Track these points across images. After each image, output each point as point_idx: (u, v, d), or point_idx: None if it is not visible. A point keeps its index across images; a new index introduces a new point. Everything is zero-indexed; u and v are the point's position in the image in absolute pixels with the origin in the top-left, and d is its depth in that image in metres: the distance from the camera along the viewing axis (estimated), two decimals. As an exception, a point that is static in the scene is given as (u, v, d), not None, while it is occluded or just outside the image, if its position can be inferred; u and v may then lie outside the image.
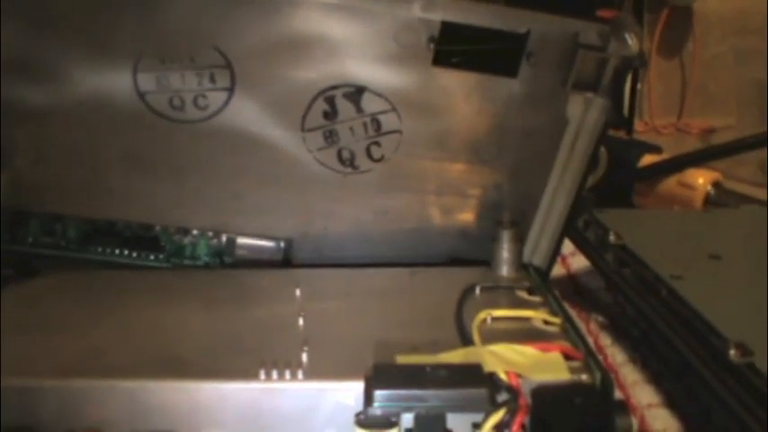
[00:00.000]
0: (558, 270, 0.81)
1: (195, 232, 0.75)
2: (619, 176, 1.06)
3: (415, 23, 0.65)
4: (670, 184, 1.03)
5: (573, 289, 0.81)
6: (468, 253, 0.74)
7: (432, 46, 0.66)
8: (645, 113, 1.40)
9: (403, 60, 0.67)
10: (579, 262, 0.83)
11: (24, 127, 0.70)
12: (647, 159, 1.07)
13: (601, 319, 0.73)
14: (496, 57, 0.66)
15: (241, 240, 0.74)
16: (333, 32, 0.66)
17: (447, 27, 0.65)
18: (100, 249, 0.75)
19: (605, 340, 0.70)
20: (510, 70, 0.67)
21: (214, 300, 0.66)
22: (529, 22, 0.65)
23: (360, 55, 0.67)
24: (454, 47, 0.66)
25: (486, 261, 0.71)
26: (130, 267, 0.75)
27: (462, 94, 0.68)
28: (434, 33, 0.66)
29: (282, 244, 0.74)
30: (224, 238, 0.74)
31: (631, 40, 0.62)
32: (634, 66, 0.65)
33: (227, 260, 0.75)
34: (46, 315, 0.64)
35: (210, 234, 0.74)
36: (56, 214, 0.75)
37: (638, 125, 1.37)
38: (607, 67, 0.66)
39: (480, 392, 0.48)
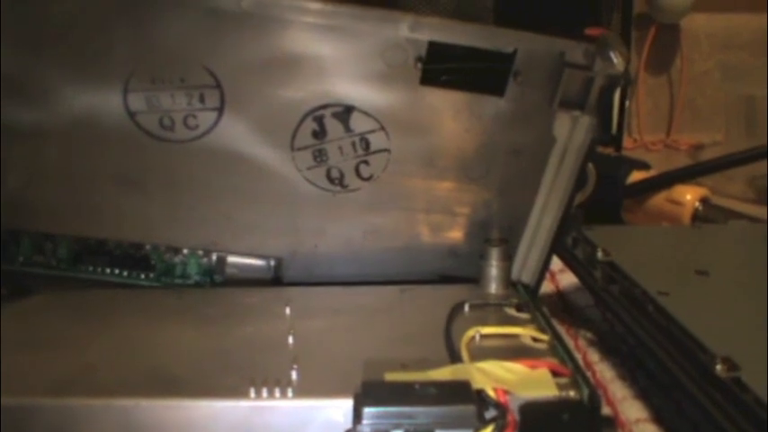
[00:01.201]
0: (546, 287, 0.81)
1: (186, 251, 0.75)
2: (607, 193, 1.06)
3: (402, 43, 0.66)
4: (658, 200, 1.03)
5: (561, 306, 0.81)
6: (458, 270, 0.74)
7: (419, 65, 0.66)
8: (634, 130, 1.41)
9: (391, 80, 0.67)
10: (568, 279, 0.83)
11: (14, 146, 0.70)
12: (636, 176, 1.07)
13: (589, 335, 0.74)
14: (484, 76, 0.67)
15: (231, 259, 0.75)
16: (321, 52, 0.67)
17: (434, 47, 0.66)
18: (91, 268, 0.75)
19: (593, 357, 0.70)
20: (497, 89, 0.67)
21: (205, 318, 0.66)
22: (515, 41, 0.66)
23: (348, 75, 0.67)
24: (442, 66, 0.67)
25: (474, 278, 0.71)
26: (121, 286, 0.75)
27: (450, 113, 0.69)
28: (422, 53, 0.66)
29: (272, 262, 0.75)
30: (214, 256, 0.75)
31: (617, 59, 0.63)
32: (620, 84, 0.66)
33: (217, 279, 0.75)
34: (38, 333, 0.64)
35: (201, 253, 0.75)
36: (46, 233, 0.75)
37: (627, 142, 1.37)
38: (593, 86, 0.66)
39: (468, 409, 0.48)
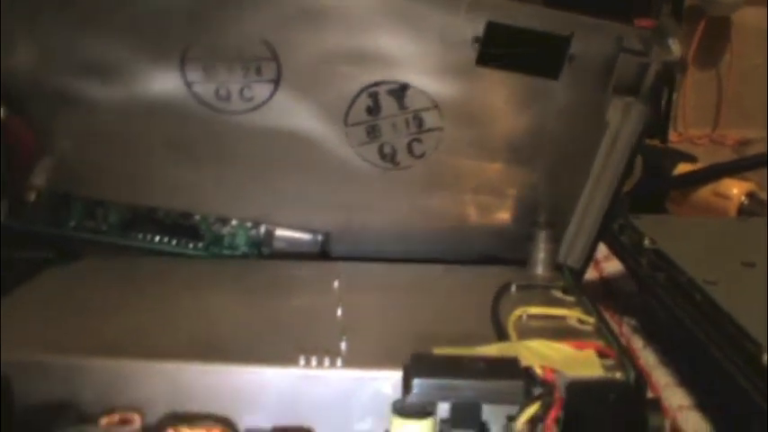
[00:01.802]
0: (590, 274, 0.81)
1: (234, 222, 0.75)
2: (653, 184, 1.06)
3: (460, 23, 0.66)
4: (704, 193, 1.03)
5: (605, 292, 0.82)
6: (504, 252, 0.74)
7: (476, 45, 0.67)
8: (679, 124, 1.40)
9: (447, 59, 0.68)
10: (612, 266, 0.84)
11: (69, 112, 0.71)
12: (682, 168, 1.07)
13: (633, 322, 0.74)
14: (539, 58, 0.67)
15: (279, 232, 0.75)
16: (379, 29, 0.67)
17: (492, 27, 0.66)
18: (140, 236, 0.76)
19: (637, 343, 0.70)
20: (552, 72, 0.68)
21: (253, 288, 0.67)
22: (573, 25, 0.66)
23: (405, 52, 0.68)
24: (498, 47, 0.67)
25: (521, 261, 0.72)
26: (169, 255, 0.76)
27: (504, 94, 0.69)
28: (479, 33, 0.66)
29: (320, 237, 0.75)
30: (263, 229, 0.75)
31: (674, 45, 0.63)
32: (675, 71, 0.66)
33: (264, 251, 0.75)
34: (87, 297, 0.65)
35: (250, 225, 0.75)
36: (98, 199, 0.75)
37: (672, 136, 1.37)
38: (648, 72, 0.66)
39: (516, 385, 0.48)
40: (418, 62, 0.68)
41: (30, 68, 0.69)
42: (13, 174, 0.71)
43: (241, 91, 0.69)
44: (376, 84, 0.69)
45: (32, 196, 0.72)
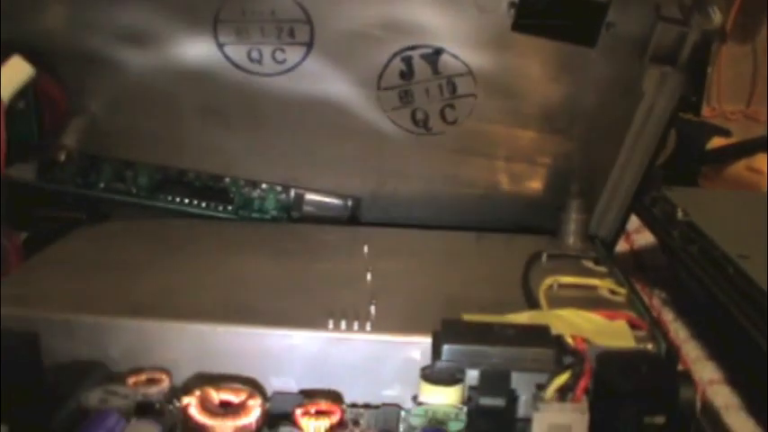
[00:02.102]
0: (621, 246, 0.81)
1: (264, 186, 0.75)
2: (686, 157, 1.05)
3: (496, -13, 0.65)
4: (738, 168, 1.02)
5: (635, 265, 0.81)
6: (534, 221, 0.74)
7: (512, 11, 0.66)
8: (713, 98, 1.39)
9: (482, 24, 0.67)
10: (643, 239, 0.83)
11: (101, 73, 0.71)
12: (716, 142, 1.06)
13: (663, 295, 0.73)
14: (576, 25, 0.66)
15: (309, 196, 0.75)
16: (414, -7, 0.66)
17: (528, -8, 0.65)
18: (169, 198, 0.76)
19: (668, 316, 0.70)
20: (589, 40, 0.67)
21: (282, 252, 0.66)
22: (611, -8, 0.65)
23: (439, 17, 0.67)
24: (534, 13, 0.66)
25: (551, 230, 0.71)
26: (198, 217, 0.76)
27: (539, 61, 0.68)
28: (515, -2, 0.66)
29: (350, 202, 0.75)
30: (292, 193, 0.75)
31: (715, 14, 0.62)
32: (715, 41, 0.65)
33: (294, 215, 0.75)
34: (117, 257, 0.65)
35: (279, 188, 0.75)
36: (128, 161, 0.75)
37: (705, 111, 1.35)
38: (686, 42, 0.65)
39: (547, 353, 0.48)
40: (453, 28, 0.67)
41: (62, 29, 0.69)
42: (44, 133, 0.71)
43: (273, 53, 0.69)
44: (410, 48, 0.68)
45: (63, 156, 0.71)
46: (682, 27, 0.64)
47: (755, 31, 1.38)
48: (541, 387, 0.48)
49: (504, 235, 0.72)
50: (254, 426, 0.46)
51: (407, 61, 0.68)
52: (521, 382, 0.48)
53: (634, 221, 0.79)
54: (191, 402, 0.46)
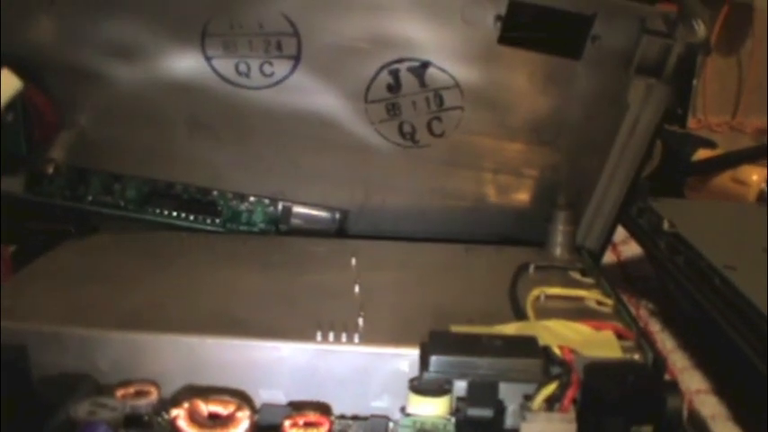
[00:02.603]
0: (608, 257, 0.81)
1: (252, 199, 0.75)
2: (672, 169, 1.05)
3: (482, 1, 0.66)
4: (723, 179, 1.02)
5: (622, 276, 0.81)
6: (522, 233, 0.74)
7: (498, 24, 0.66)
8: (698, 110, 1.39)
9: (468, 37, 0.67)
10: (629, 250, 0.83)
11: (89, 86, 0.71)
12: (702, 154, 1.06)
13: (650, 305, 0.74)
14: (561, 38, 0.67)
15: (297, 209, 0.75)
16: (400, 6, 0.66)
17: (514, 6, 0.65)
18: (157, 211, 0.76)
19: (655, 326, 0.70)
20: (574, 52, 0.67)
21: (270, 264, 0.66)
22: (596, 4, 0.65)
23: (426, 30, 0.67)
24: (520, 26, 0.66)
25: (539, 242, 0.71)
26: (186, 230, 0.76)
27: (525, 74, 0.69)
28: (501, 11, 0.66)
29: (338, 215, 0.75)
30: (280, 205, 0.75)
31: (698, 27, 0.62)
32: (699, 54, 0.65)
33: (282, 228, 0.75)
34: (106, 270, 0.64)
35: (267, 201, 0.75)
36: (116, 174, 0.75)
37: (691, 122, 1.35)
38: (671, 54, 0.66)
39: (534, 363, 0.48)
40: (440, 41, 0.68)
41: (51, 42, 0.69)
42: (33, 146, 0.71)
43: (261, 66, 0.69)
44: (397, 61, 0.68)
45: (51, 169, 0.71)
46: (666, 40, 0.65)
47: (740, 44, 1.39)
48: (529, 397, 0.48)
49: (491, 247, 0.72)
50: (242, 437, 0.46)
51: (395, 74, 0.69)
52: (508, 393, 0.48)
53: (621, 233, 0.80)
54: (179, 414, 0.46)
